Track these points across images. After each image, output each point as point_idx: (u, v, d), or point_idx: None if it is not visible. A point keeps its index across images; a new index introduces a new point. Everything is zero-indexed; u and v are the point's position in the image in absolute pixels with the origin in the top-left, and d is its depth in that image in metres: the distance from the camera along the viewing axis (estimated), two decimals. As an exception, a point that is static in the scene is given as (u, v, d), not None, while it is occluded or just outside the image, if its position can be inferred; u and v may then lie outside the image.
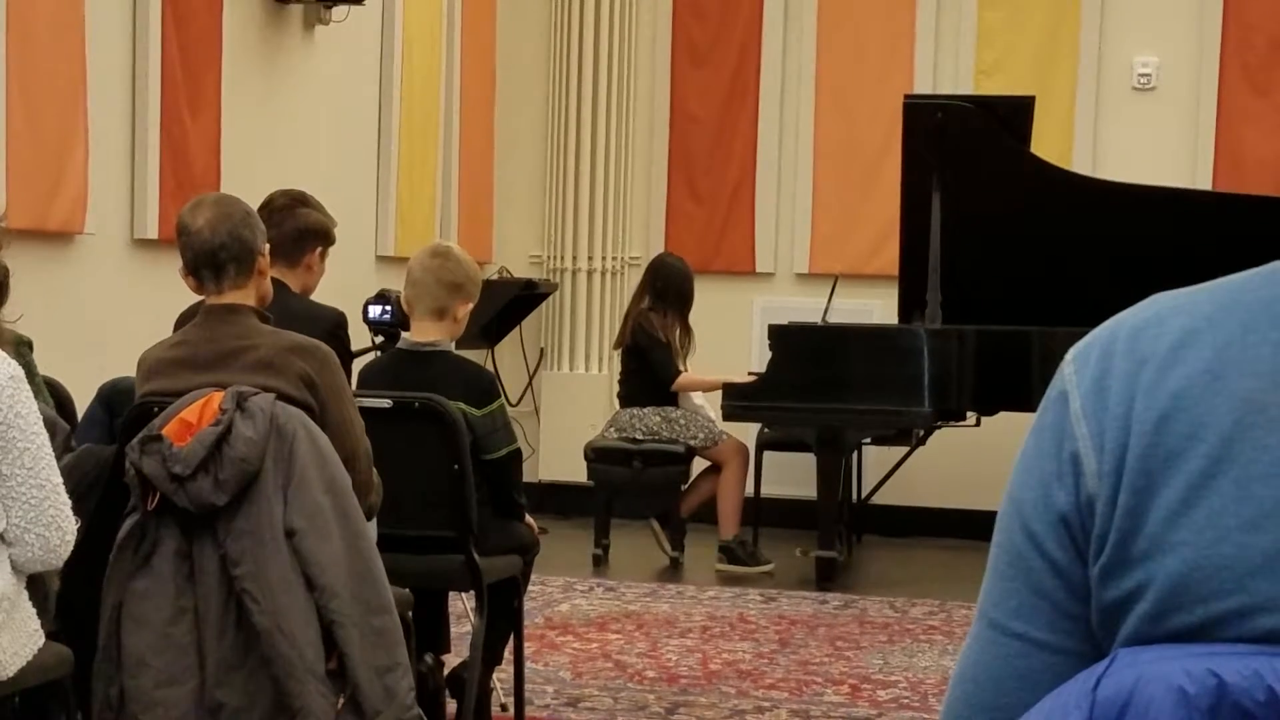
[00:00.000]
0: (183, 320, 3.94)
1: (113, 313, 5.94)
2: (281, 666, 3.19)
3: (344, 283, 6.10)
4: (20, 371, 3.09)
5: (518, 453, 4.49)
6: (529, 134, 9.33)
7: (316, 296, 4.55)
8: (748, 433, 7.90)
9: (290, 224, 4.42)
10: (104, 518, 3.37)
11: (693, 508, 7.81)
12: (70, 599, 3.35)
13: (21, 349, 3.60)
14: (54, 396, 3.84)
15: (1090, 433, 1.10)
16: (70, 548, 3.13)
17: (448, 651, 4.70)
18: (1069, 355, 1.15)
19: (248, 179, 6.14)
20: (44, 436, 3.09)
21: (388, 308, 4.84)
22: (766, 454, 7.97)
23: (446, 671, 4.53)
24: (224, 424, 3.21)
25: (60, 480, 3.12)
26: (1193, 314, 1.10)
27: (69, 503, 3.13)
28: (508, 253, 9.26)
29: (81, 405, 4.10)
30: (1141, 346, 1.11)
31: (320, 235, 4.52)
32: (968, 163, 7.17)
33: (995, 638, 1.16)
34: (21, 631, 3.11)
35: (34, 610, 3.18)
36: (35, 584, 3.21)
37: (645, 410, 7.66)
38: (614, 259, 9.23)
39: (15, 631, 3.08)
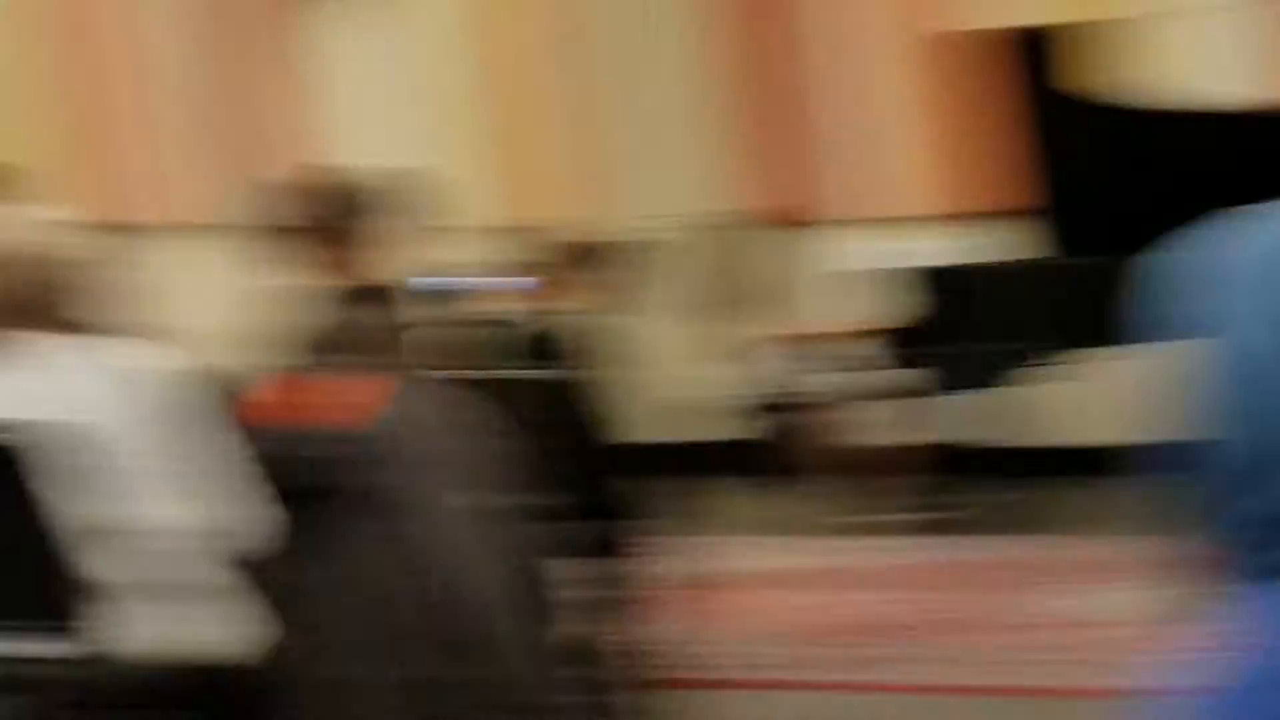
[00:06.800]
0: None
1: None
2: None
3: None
4: (189, 363, 3.18)
5: None
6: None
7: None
8: (889, 382, 7.79)
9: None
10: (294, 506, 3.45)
11: (827, 461, 7.80)
12: (268, 586, 3.42)
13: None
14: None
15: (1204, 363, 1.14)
16: (267, 536, 3.21)
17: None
18: (1172, 275, 1.17)
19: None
20: (225, 426, 3.17)
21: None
22: (903, 401, 7.88)
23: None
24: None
25: (250, 470, 3.20)
26: None
27: (263, 492, 3.20)
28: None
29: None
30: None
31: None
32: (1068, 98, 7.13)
33: None
34: (225, 618, 3.17)
35: (237, 597, 3.24)
36: (236, 572, 3.28)
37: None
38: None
39: (220, 618, 3.16)
